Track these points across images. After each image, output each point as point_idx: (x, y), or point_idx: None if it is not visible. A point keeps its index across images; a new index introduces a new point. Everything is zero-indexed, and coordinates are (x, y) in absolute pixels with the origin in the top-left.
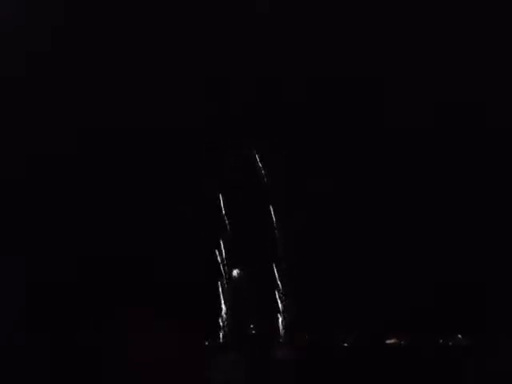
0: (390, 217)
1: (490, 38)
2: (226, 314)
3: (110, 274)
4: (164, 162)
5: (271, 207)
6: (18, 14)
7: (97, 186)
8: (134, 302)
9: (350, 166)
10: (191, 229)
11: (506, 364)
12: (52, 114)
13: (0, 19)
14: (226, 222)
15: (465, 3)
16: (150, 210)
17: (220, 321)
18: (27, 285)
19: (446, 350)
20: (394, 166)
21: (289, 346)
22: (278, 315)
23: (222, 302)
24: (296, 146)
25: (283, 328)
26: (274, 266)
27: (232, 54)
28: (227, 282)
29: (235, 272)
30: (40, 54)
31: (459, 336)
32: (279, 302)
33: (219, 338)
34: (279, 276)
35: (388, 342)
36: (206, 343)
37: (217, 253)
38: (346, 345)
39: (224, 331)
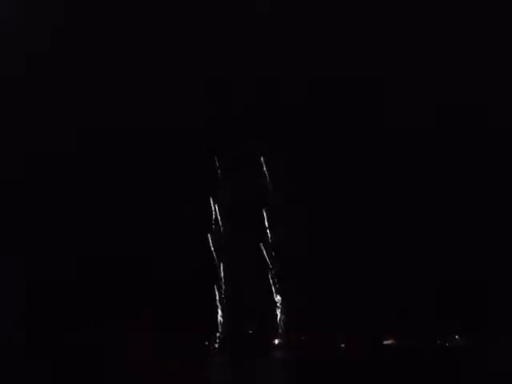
0: (388, 217)
1: (490, 38)
2: (223, 314)
3: (110, 274)
4: (164, 162)
5: (270, 207)
6: (18, 14)
7: (97, 186)
8: (134, 302)
9: (349, 167)
10: (190, 229)
11: (506, 364)
12: (52, 114)
13: (0, 19)
14: (222, 223)
15: (465, 4)
16: (149, 209)
17: (218, 321)
18: (27, 285)
19: (443, 350)
20: (393, 166)
21: (286, 347)
22: (276, 316)
23: (220, 303)
24: (296, 146)
25: (281, 328)
26: (271, 267)
27: (232, 54)
28: (225, 284)
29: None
30: (40, 54)
31: (457, 337)
32: (277, 302)
33: (216, 338)
34: (277, 277)
35: (385, 342)
36: (206, 343)
37: (214, 255)
38: (343, 345)
39: (221, 332)
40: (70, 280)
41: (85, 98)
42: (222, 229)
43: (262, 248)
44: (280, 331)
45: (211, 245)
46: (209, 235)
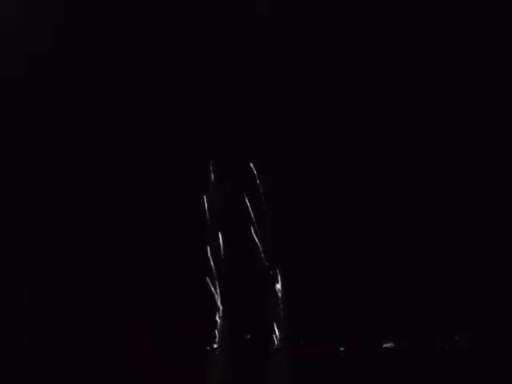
0: (387, 218)
1: (490, 37)
2: (221, 318)
3: (110, 274)
4: (164, 162)
5: (267, 208)
6: (18, 14)
7: (97, 186)
8: (134, 302)
9: (349, 166)
10: (190, 229)
11: (506, 364)
12: (52, 113)
13: (0, 19)
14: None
15: (465, 3)
16: (149, 210)
17: (216, 325)
18: (27, 285)
19: (443, 353)
20: (393, 166)
21: (284, 351)
22: (274, 318)
23: (218, 306)
24: (296, 146)
25: (279, 332)
26: (269, 269)
27: (232, 54)
28: (222, 287)
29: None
30: (40, 54)
31: (456, 338)
32: (274, 305)
33: (215, 338)
34: (274, 280)
35: (385, 345)
36: (205, 343)
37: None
38: (342, 349)
39: (219, 332)
40: (70, 280)
41: (85, 98)
42: (218, 229)
43: (260, 249)
44: (278, 334)
45: (208, 244)
46: (204, 238)
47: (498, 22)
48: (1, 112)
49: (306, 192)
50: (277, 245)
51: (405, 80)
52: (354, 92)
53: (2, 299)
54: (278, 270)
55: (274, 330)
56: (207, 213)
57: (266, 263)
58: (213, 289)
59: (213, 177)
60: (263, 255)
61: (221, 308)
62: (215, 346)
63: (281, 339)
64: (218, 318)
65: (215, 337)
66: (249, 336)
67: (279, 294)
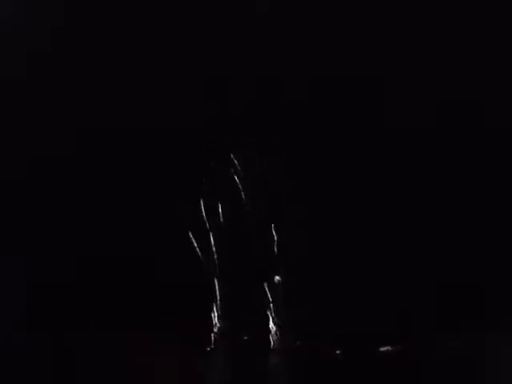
0: (386, 219)
1: (490, 37)
2: (218, 318)
3: (110, 274)
4: (163, 162)
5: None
6: (18, 14)
7: (97, 186)
8: (134, 302)
9: (349, 166)
10: (190, 229)
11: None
12: (52, 113)
13: (0, 19)
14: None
15: (465, 3)
16: (149, 210)
17: (214, 325)
18: (27, 285)
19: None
20: (393, 167)
21: (281, 352)
22: (270, 321)
23: (216, 306)
24: (296, 146)
25: (275, 334)
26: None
27: (232, 54)
28: (220, 289)
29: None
30: (40, 54)
31: (453, 342)
32: (271, 307)
33: (213, 339)
34: (271, 282)
35: (382, 349)
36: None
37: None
38: (338, 352)
39: (218, 333)
40: (70, 280)
41: (85, 98)
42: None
43: (260, 249)
44: (275, 335)
45: (208, 245)
46: (206, 235)
47: (498, 22)
48: (1, 112)
49: (305, 192)
50: (276, 245)
51: (405, 80)
52: (353, 92)
53: (2, 299)
54: (276, 271)
55: (272, 331)
56: (207, 213)
57: (265, 263)
58: (213, 289)
59: (212, 177)
60: (262, 256)
61: (219, 308)
62: (213, 346)
63: (278, 339)
64: (215, 319)
65: (213, 337)
66: (246, 337)
67: (277, 294)
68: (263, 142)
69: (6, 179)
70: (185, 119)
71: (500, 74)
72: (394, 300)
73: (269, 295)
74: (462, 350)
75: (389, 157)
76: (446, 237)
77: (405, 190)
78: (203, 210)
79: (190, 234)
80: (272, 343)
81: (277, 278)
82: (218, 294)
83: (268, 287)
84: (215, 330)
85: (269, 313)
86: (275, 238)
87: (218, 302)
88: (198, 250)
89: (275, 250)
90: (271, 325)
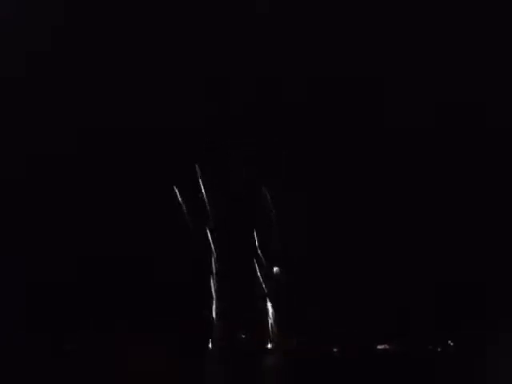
0: (385, 220)
1: (490, 38)
2: (216, 319)
3: (110, 274)
4: (163, 163)
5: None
6: (18, 14)
7: (96, 186)
8: (133, 302)
9: (349, 167)
10: (190, 229)
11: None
12: (52, 113)
13: (0, 19)
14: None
15: (465, 4)
16: (149, 210)
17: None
18: (27, 285)
19: (436, 355)
20: (393, 166)
21: (279, 352)
22: (269, 319)
23: (214, 306)
24: (296, 146)
25: (273, 332)
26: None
27: (232, 54)
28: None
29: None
30: (40, 54)
31: (449, 342)
32: (269, 307)
33: (211, 339)
34: (269, 282)
35: (379, 347)
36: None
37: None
38: (335, 350)
39: (215, 333)
40: (70, 280)
41: (85, 97)
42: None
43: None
44: (272, 335)
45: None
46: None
47: (498, 23)
48: (1, 112)
49: (305, 191)
50: (275, 245)
51: (405, 80)
52: (353, 92)
53: (2, 299)
54: (275, 270)
55: (269, 330)
56: (207, 213)
57: (265, 263)
58: (212, 289)
59: (213, 177)
60: (262, 256)
61: (217, 308)
62: (211, 345)
63: (275, 339)
64: (214, 318)
65: (211, 336)
66: (244, 336)
67: (275, 294)
68: (263, 141)
69: (5, 179)
70: (185, 119)
71: (500, 74)
72: (394, 300)
73: (268, 294)
74: (462, 349)
75: (389, 157)
76: (445, 237)
77: (405, 190)
78: (203, 209)
79: (190, 233)
80: (270, 342)
81: (276, 269)
82: (215, 293)
83: (268, 287)
84: (214, 328)
85: (267, 312)
86: (275, 237)
87: (217, 300)
88: (198, 250)
89: (275, 249)
90: (270, 324)
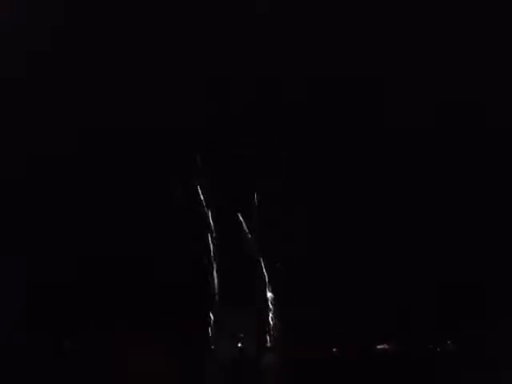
0: (385, 220)
1: (490, 38)
2: (216, 317)
3: (110, 274)
4: (163, 163)
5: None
6: (18, 14)
7: (97, 186)
8: (133, 302)
9: (349, 167)
10: (190, 229)
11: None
12: (52, 113)
13: (0, 19)
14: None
15: (465, 4)
16: (149, 210)
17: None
18: (27, 285)
19: (435, 355)
20: (393, 167)
21: (277, 353)
22: (268, 320)
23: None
24: (296, 146)
25: (272, 333)
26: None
27: (232, 54)
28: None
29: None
30: (40, 54)
31: (449, 342)
32: (268, 307)
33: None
34: (268, 281)
35: (379, 347)
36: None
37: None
38: (335, 350)
39: (214, 335)
40: (70, 280)
41: (85, 97)
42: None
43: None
44: (272, 334)
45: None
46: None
47: (498, 23)
48: (1, 112)
49: (304, 192)
50: (275, 245)
51: (405, 80)
52: (354, 92)
53: (2, 299)
54: (274, 270)
55: (268, 330)
56: (207, 213)
57: (264, 263)
58: (211, 289)
59: (212, 177)
60: (261, 256)
61: (216, 308)
62: (210, 345)
63: (274, 339)
64: (213, 318)
65: (210, 336)
66: (242, 335)
67: (274, 294)
68: (263, 141)
69: (5, 179)
70: (185, 119)
71: (500, 74)
72: (393, 300)
73: (267, 294)
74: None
75: (388, 157)
76: (445, 237)
77: (404, 190)
78: (203, 210)
79: (190, 234)
80: (269, 341)
81: (278, 264)
82: (216, 292)
83: (267, 287)
84: (212, 328)
85: (267, 312)
86: (273, 238)
87: (217, 300)
88: (198, 250)
89: (275, 249)
90: (269, 323)
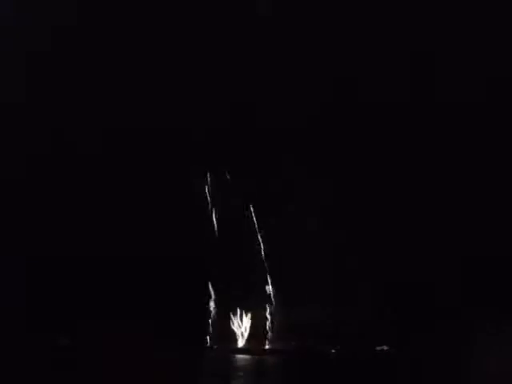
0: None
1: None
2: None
3: (110, 274)
4: (163, 163)
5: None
6: (18, 14)
7: (96, 187)
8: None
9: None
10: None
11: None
12: (52, 113)
13: (0, 19)
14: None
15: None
16: (150, 210)
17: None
18: (27, 285)
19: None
20: (393, 167)
21: (277, 352)
22: (267, 320)
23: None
24: (297, 147)
25: (271, 333)
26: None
27: (234, 57)
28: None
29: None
30: (40, 54)
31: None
32: (267, 307)
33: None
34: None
35: (377, 348)
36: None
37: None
38: (333, 351)
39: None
40: (70, 280)
41: (85, 97)
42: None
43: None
44: (271, 335)
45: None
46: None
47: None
48: (1, 112)
49: (304, 190)
50: (275, 245)
51: (405, 80)
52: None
53: (2, 299)
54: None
55: (268, 330)
56: (208, 213)
57: (264, 263)
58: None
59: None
60: (261, 256)
61: (217, 308)
62: (211, 345)
63: (274, 339)
64: (213, 318)
65: (210, 336)
66: (242, 335)
67: (273, 294)
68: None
69: (5, 179)
70: (185, 119)
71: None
72: (392, 301)
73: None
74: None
75: (389, 159)
76: (445, 237)
77: (404, 190)
78: (203, 210)
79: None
80: (268, 342)
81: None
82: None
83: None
84: (211, 328)
85: (267, 312)
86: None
87: (215, 300)
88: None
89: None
90: (268, 323)
